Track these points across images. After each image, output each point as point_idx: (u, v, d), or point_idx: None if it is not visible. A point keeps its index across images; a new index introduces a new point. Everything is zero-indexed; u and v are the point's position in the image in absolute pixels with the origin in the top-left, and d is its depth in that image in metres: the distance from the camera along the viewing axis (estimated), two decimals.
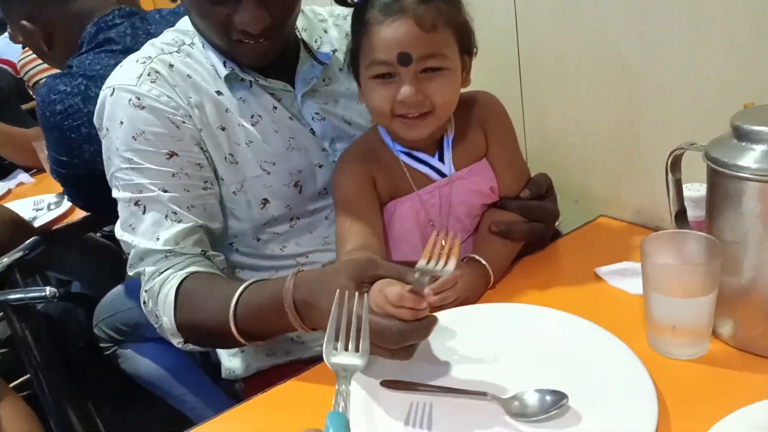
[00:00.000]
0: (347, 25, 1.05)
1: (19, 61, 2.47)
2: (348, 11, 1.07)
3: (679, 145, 0.77)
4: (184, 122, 0.92)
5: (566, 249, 1.02)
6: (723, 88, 0.86)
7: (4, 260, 1.27)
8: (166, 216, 0.91)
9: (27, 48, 2.58)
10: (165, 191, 0.91)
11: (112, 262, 2.10)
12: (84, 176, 1.00)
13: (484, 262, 0.92)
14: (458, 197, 0.94)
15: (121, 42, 1.31)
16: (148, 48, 1.00)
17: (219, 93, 0.97)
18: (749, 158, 0.65)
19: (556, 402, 0.67)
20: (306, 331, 0.82)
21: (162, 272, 0.92)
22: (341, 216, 0.94)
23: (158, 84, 0.93)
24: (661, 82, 0.92)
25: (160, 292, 0.91)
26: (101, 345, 1.65)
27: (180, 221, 0.92)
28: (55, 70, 2.44)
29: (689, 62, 0.88)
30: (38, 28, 1.32)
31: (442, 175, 0.94)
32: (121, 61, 1.23)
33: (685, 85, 0.90)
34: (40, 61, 2.44)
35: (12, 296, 1.14)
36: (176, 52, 0.98)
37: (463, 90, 0.92)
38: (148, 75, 0.93)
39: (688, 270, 0.71)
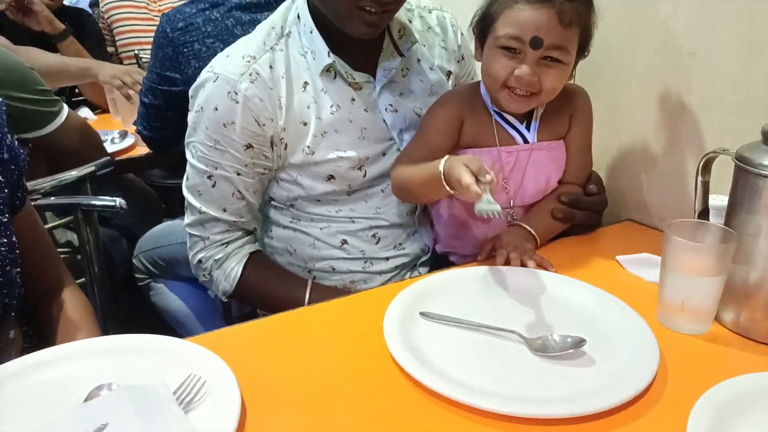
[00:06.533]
0: (430, 19, 1.18)
1: (103, 5, 2.59)
2: (433, 5, 1.19)
3: (712, 149, 0.87)
4: (265, 124, 1.02)
5: (592, 240, 1.12)
6: (762, 102, 0.95)
7: (73, 173, 1.38)
8: (233, 194, 1.07)
9: None
10: (238, 174, 1.06)
11: (152, 207, 2.22)
12: (179, 95, 1.11)
13: (527, 227, 1.04)
14: (533, 165, 1.05)
15: None
16: (256, 41, 1.05)
17: (306, 84, 1.04)
18: None
19: (575, 344, 0.77)
20: None
21: (226, 243, 1.11)
22: (420, 142, 1.05)
23: (256, 84, 1.01)
24: (705, 95, 1.03)
25: (226, 262, 1.11)
26: (137, 275, 1.75)
27: (242, 199, 1.08)
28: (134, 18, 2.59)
29: (736, 79, 0.98)
30: None
31: (525, 141, 1.05)
32: None
33: (727, 98, 1.00)
34: (122, 10, 2.59)
35: (84, 201, 1.24)
36: (276, 44, 1.04)
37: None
38: (250, 75, 1.00)
39: (703, 249, 0.81)
